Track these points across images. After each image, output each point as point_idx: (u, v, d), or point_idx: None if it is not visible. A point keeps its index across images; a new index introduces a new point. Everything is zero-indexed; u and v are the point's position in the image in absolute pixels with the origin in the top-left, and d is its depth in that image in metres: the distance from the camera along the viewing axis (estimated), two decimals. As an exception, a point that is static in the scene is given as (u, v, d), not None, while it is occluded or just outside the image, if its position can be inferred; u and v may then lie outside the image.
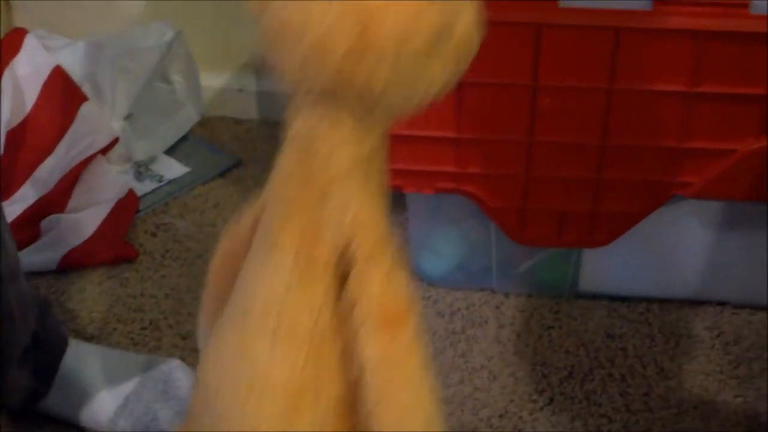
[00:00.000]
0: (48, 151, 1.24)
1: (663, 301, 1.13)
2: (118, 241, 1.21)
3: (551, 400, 1.01)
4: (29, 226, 1.20)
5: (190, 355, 1.03)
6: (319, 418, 0.55)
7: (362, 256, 0.53)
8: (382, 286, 0.53)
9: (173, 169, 1.36)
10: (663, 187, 1.02)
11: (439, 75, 0.49)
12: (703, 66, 0.94)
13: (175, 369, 0.97)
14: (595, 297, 1.13)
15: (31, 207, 1.21)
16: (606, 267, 1.12)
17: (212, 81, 1.47)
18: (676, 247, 1.09)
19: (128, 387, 0.94)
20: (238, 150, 1.40)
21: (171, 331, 1.09)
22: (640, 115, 0.97)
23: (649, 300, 1.13)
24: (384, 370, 0.53)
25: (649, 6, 0.92)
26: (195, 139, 1.43)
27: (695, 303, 1.12)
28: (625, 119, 0.97)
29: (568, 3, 0.93)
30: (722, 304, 1.12)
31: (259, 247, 0.55)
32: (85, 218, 1.22)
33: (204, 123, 1.45)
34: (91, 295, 1.15)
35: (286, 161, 0.53)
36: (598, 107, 0.97)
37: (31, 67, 1.23)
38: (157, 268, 1.19)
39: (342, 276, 0.54)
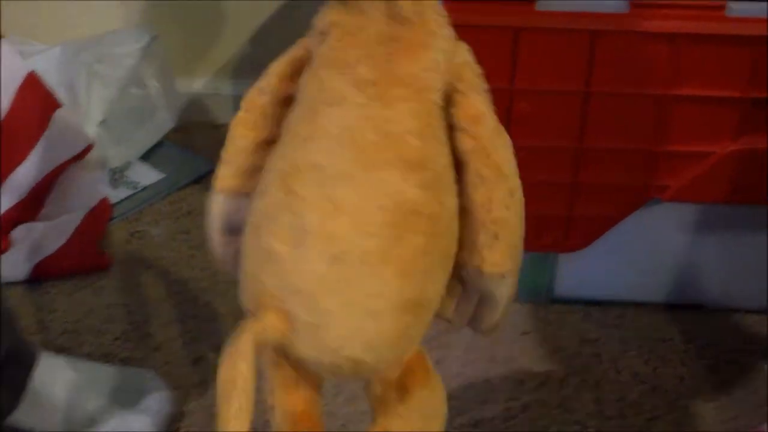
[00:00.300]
0: (22, 157, 1.22)
1: (638, 305, 1.12)
2: (91, 250, 1.20)
3: (526, 407, 1.00)
4: (1, 235, 1.18)
5: (163, 366, 1.02)
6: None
7: (464, 88, 0.62)
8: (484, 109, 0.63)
9: (148, 175, 1.35)
10: (640, 191, 1.02)
11: None
12: (680, 68, 0.93)
13: (148, 380, 0.96)
14: (570, 302, 1.13)
15: (4, 215, 1.19)
16: (582, 271, 1.11)
17: (188, 86, 1.46)
18: (652, 251, 1.09)
19: (101, 400, 0.92)
20: (213, 155, 1.38)
21: (144, 342, 1.07)
22: (616, 119, 0.97)
23: (624, 304, 1.13)
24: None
25: (626, 8, 0.92)
26: (170, 145, 1.42)
27: (670, 307, 1.12)
28: (602, 122, 0.97)
29: (545, 5, 0.92)
30: (698, 307, 1.12)
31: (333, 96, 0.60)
32: (58, 226, 1.20)
33: (179, 128, 1.44)
34: (62, 306, 1.13)
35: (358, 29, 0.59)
36: (574, 111, 0.97)
37: (5, 72, 1.22)
38: (130, 277, 1.17)
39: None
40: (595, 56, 0.93)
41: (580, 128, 0.97)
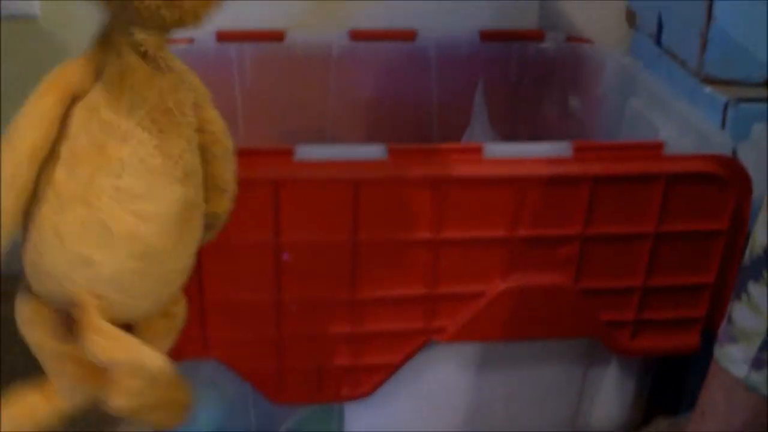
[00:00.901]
0: None
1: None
2: None
3: None
4: None
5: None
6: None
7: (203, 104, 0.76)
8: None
9: None
10: (417, 334, 1.00)
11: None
12: (444, 211, 0.93)
13: None
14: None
15: None
16: (371, 417, 1.08)
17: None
18: (438, 391, 1.07)
19: None
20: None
21: None
22: (387, 265, 0.95)
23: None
24: None
25: (384, 155, 0.91)
26: None
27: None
28: (373, 270, 0.95)
29: (304, 156, 0.90)
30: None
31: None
32: None
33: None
34: None
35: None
36: (344, 260, 0.94)
37: None
38: None
39: None
40: (359, 204, 0.91)
41: (351, 278, 0.94)
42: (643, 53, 1.23)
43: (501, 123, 1.30)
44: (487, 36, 1.30)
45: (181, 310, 0.82)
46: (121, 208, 0.71)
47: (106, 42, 0.71)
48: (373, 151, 0.91)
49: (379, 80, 1.31)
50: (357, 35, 1.29)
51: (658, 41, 1.18)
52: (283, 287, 0.95)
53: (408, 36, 1.30)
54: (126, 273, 0.72)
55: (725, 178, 0.93)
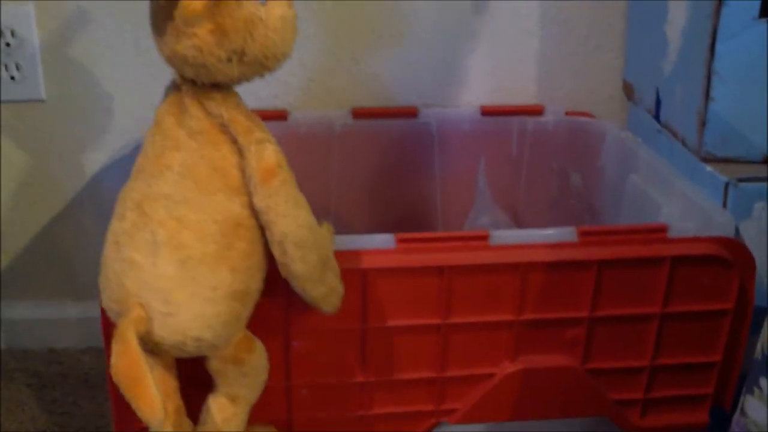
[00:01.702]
0: None
1: None
2: None
3: None
4: None
5: None
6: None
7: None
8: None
9: None
10: (428, 416, 1.00)
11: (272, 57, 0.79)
12: (451, 297, 0.94)
13: None
14: None
15: None
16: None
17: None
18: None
19: None
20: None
21: None
22: (395, 351, 0.96)
23: None
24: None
25: (393, 244, 0.92)
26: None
27: None
28: (382, 356, 0.96)
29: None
30: None
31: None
32: None
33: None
34: None
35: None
36: (353, 346, 0.95)
37: None
38: None
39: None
40: (368, 292, 0.92)
41: (361, 362, 0.95)
42: (642, 127, 1.25)
43: (503, 197, 1.32)
44: (487, 111, 1.32)
45: (254, 360, 0.86)
46: (167, 213, 0.78)
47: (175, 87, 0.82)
48: (382, 240, 0.92)
49: (381, 156, 1.33)
50: (359, 113, 1.31)
51: (657, 117, 1.20)
52: (292, 372, 0.95)
53: (409, 113, 1.31)
54: (167, 279, 0.77)
55: (729, 260, 0.95)
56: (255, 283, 0.83)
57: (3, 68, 1.30)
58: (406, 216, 1.35)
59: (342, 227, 1.30)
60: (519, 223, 1.33)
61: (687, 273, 0.96)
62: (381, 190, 1.34)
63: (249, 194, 0.81)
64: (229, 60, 0.77)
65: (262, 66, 0.79)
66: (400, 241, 0.92)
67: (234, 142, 0.80)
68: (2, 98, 1.31)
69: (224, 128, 0.80)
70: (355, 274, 0.91)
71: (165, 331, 0.79)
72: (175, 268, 0.78)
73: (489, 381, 0.99)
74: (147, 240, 0.78)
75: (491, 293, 0.95)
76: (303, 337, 0.94)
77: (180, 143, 0.80)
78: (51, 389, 1.30)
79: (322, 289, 0.85)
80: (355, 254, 0.92)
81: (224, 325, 0.81)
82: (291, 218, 0.81)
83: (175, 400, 0.86)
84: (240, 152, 0.80)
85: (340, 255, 0.91)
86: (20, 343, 1.42)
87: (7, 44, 1.29)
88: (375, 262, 0.92)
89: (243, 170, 0.80)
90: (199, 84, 0.80)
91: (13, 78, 1.30)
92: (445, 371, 0.98)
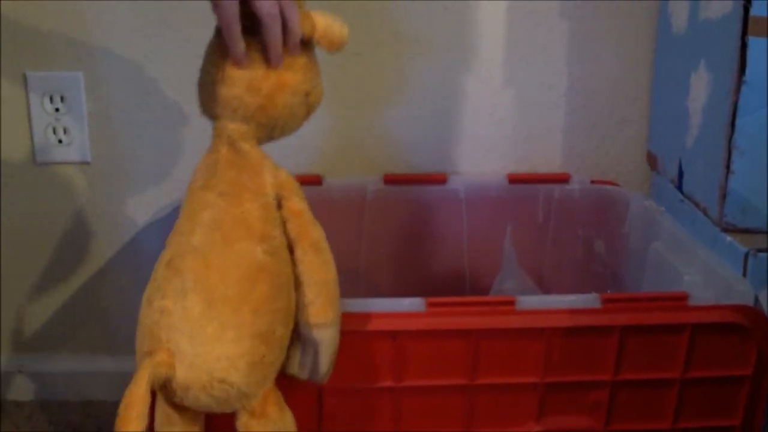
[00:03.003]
0: None
1: None
2: None
3: None
4: None
5: None
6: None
7: (288, 194, 0.88)
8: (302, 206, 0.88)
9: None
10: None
11: (300, 117, 0.89)
12: (479, 359, 0.97)
13: None
14: None
15: None
16: None
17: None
18: None
19: None
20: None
21: None
22: (425, 410, 0.99)
23: None
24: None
25: (423, 308, 0.96)
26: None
27: None
28: (413, 414, 0.99)
29: (346, 309, 0.95)
30: None
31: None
32: None
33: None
34: None
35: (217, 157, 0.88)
36: (384, 405, 0.98)
37: None
38: None
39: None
40: (397, 353, 0.96)
41: (394, 422, 0.99)
42: (665, 196, 1.29)
43: (529, 262, 1.35)
44: (514, 179, 1.37)
45: (278, 415, 0.87)
46: (195, 261, 0.83)
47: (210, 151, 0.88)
48: (413, 304, 0.96)
49: (411, 221, 1.37)
50: (390, 179, 1.35)
51: (680, 187, 1.24)
52: (324, 430, 0.99)
53: (439, 179, 1.36)
54: (193, 320, 0.82)
55: (748, 327, 0.98)
56: (281, 328, 0.85)
57: (52, 132, 1.36)
58: (434, 279, 1.39)
59: (371, 289, 1.35)
60: (544, 287, 1.37)
61: (707, 340, 0.99)
62: (410, 254, 1.38)
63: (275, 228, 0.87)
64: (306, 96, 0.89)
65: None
66: (431, 304, 0.96)
67: (256, 199, 0.86)
68: (50, 160, 1.37)
69: (247, 187, 0.86)
70: (387, 336, 0.95)
71: (192, 373, 0.81)
72: (201, 309, 0.82)
73: (514, 441, 1.02)
74: (176, 288, 0.83)
75: (517, 356, 0.98)
76: (335, 395, 0.97)
77: (209, 203, 0.85)
78: (87, 441, 1.34)
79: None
80: (387, 316, 0.96)
81: (249, 367, 0.82)
82: (319, 233, 0.89)
83: None
84: (265, 207, 0.86)
85: (372, 316, 0.95)
86: (57, 396, 1.46)
87: (56, 109, 1.35)
88: (406, 324, 0.96)
89: (265, 221, 0.85)
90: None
91: (60, 141, 1.36)
92: (469, 428, 1.01)
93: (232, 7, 0.82)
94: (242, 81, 0.85)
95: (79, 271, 1.43)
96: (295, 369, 0.91)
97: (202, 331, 0.81)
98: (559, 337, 0.97)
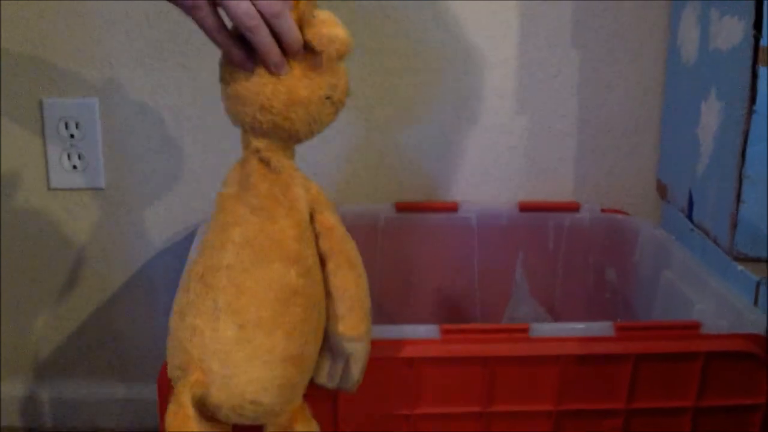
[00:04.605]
0: None
1: None
2: None
3: None
4: None
5: None
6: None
7: (320, 209, 0.87)
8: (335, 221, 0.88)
9: None
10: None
11: (326, 118, 0.86)
12: (493, 387, 0.98)
13: None
14: None
15: None
16: None
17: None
18: None
19: None
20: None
21: None
22: (439, 437, 1.00)
23: None
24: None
25: (437, 335, 0.97)
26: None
27: None
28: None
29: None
30: None
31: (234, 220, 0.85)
32: None
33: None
34: None
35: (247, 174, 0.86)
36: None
37: None
38: None
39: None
40: (413, 380, 0.96)
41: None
42: (675, 225, 1.30)
43: (540, 289, 1.36)
44: (525, 207, 1.38)
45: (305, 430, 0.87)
46: (228, 281, 0.82)
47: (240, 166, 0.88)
48: (428, 331, 0.97)
49: (423, 248, 1.38)
50: (402, 207, 1.37)
51: (690, 216, 1.25)
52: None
53: (451, 207, 1.37)
54: (226, 342, 0.81)
55: (761, 356, 0.98)
56: (310, 349, 0.85)
57: (66, 158, 1.37)
58: (446, 306, 1.40)
59: (383, 316, 1.36)
60: (555, 315, 1.38)
61: (719, 368, 0.99)
62: (422, 281, 1.39)
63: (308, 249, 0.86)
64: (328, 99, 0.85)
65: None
66: (445, 332, 0.97)
67: (291, 216, 0.85)
68: (64, 186, 1.38)
69: (281, 202, 0.85)
70: (402, 363, 0.96)
71: (224, 394, 0.82)
72: (234, 332, 0.82)
73: (530, 467, 1.02)
74: (208, 307, 0.82)
75: (532, 383, 0.99)
76: (351, 422, 0.98)
77: (241, 219, 0.84)
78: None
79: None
80: (402, 343, 0.96)
81: (280, 389, 0.83)
82: (351, 247, 0.89)
83: None
84: (300, 225, 0.85)
85: (386, 344, 0.95)
86: (68, 422, 1.46)
87: (71, 135, 1.37)
88: (421, 351, 0.96)
89: (300, 240, 0.85)
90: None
91: (75, 167, 1.38)
92: (484, 459, 1.01)
93: (205, 10, 0.79)
94: (254, 101, 0.83)
95: (91, 296, 1.44)
96: (323, 379, 0.91)
97: (234, 355, 0.81)
98: (574, 364, 0.98)
